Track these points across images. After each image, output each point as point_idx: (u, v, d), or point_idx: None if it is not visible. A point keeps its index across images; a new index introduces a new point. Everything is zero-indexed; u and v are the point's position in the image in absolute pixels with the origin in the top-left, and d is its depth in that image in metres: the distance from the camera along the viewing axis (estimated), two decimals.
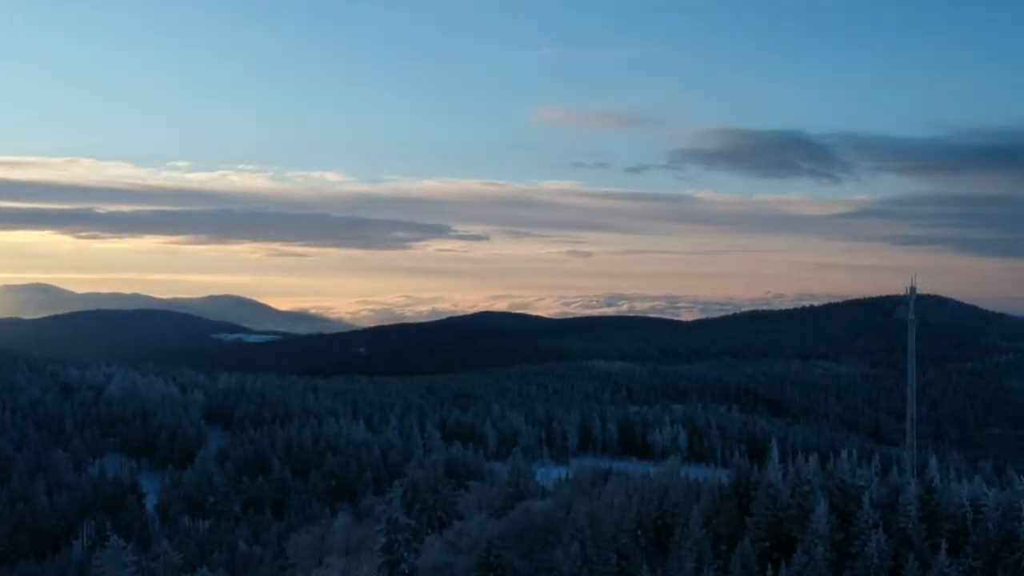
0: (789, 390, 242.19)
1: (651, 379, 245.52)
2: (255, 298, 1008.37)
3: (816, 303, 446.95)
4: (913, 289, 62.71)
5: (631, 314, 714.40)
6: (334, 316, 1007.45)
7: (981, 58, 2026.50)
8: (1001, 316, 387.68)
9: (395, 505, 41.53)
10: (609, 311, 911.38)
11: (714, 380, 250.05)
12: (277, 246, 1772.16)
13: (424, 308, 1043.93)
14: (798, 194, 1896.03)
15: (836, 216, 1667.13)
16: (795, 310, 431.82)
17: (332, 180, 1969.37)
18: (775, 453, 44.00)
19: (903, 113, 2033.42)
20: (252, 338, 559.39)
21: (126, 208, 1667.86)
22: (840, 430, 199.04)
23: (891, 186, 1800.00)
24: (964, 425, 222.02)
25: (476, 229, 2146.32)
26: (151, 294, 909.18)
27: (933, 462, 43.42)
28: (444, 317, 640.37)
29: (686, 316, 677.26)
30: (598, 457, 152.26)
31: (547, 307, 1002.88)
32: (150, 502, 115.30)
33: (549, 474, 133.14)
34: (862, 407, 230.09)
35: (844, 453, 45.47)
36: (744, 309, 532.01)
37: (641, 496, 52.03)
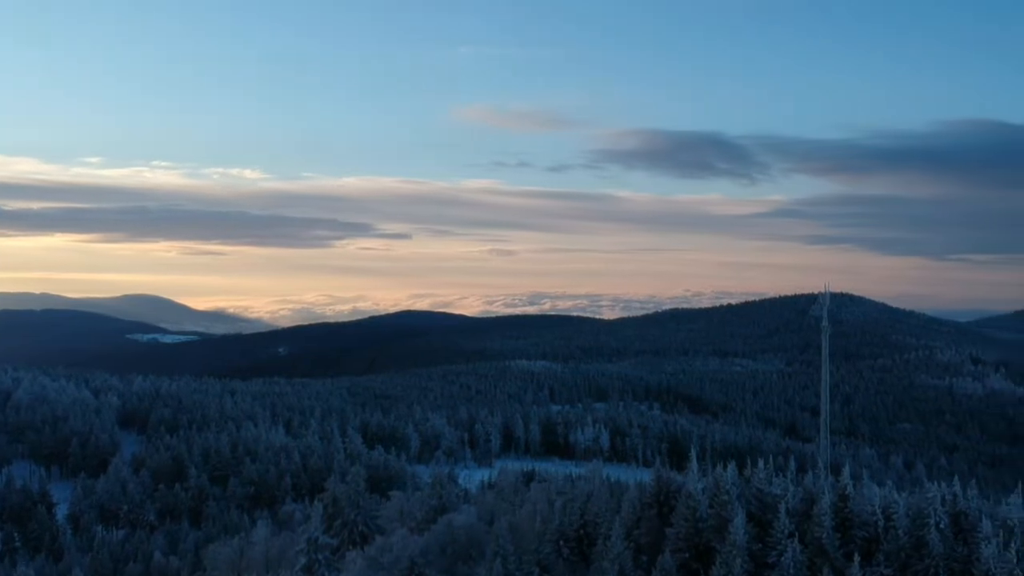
0: (708, 388, 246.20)
1: (573, 378, 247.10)
2: (171, 297, 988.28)
3: (734, 301, 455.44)
4: (826, 299, 64.10)
5: (553, 313, 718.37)
6: (253, 316, 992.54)
7: (890, 63, 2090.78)
8: (910, 314, 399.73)
9: (315, 523, 40.89)
10: (532, 310, 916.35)
11: (635, 379, 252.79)
12: (193, 244, 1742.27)
13: (345, 307, 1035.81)
14: (716, 194, 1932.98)
15: (752, 216, 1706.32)
16: (714, 308, 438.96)
17: (250, 177, 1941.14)
18: (694, 465, 44.47)
19: (816, 116, 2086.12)
20: (168, 338, 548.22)
21: (35, 205, 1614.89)
22: (757, 427, 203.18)
23: (805, 187, 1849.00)
24: (875, 421, 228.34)
25: (398, 227, 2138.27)
26: (62, 294, 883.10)
27: (847, 471, 44.32)
28: (365, 316, 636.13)
29: (608, 314, 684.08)
30: (521, 458, 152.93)
31: (470, 306, 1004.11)
32: (61, 512, 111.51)
33: (472, 477, 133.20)
34: (778, 404, 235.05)
35: (761, 462, 46.24)
36: (665, 307, 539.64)
37: (563, 505, 52.27)
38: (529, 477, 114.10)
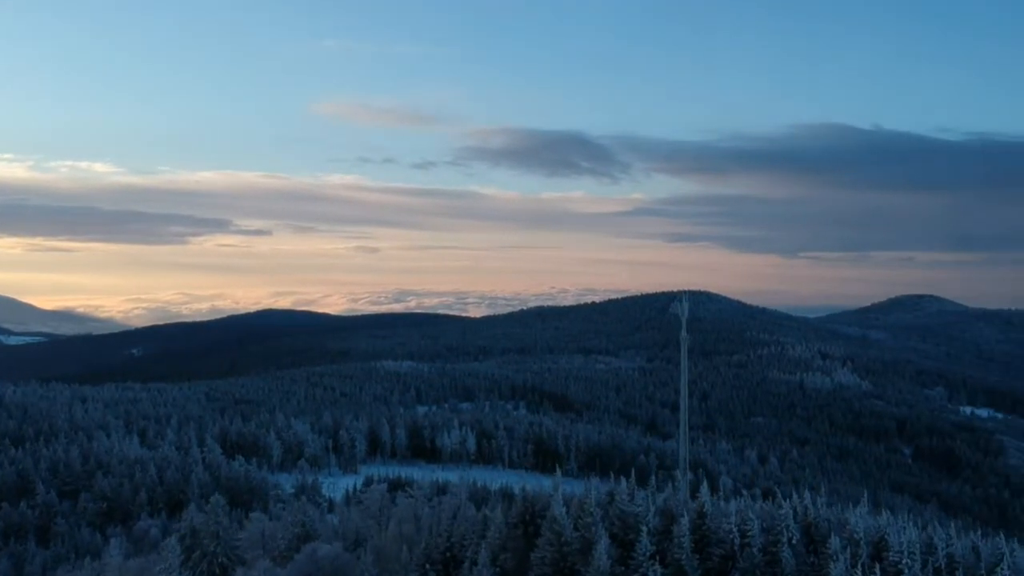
0: (573, 386, 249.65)
1: (440, 378, 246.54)
2: (15, 296, 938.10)
3: (597, 299, 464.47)
4: (684, 310, 65.62)
5: (419, 311, 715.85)
6: (104, 315, 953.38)
7: (747, 67, 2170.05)
8: (763, 310, 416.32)
9: (172, 558, 39.27)
10: (397, 308, 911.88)
11: (501, 378, 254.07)
12: (39, 240, 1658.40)
13: (203, 306, 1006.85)
14: (580, 192, 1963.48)
15: (615, 214, 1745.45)
16: (578, 306, 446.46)
17: (100, 171, 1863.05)
18: (559, 495, 44.77)
19: (676, 118, 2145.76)
20: (12, 340, 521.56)
21: None
22: (620, 424, 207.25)
23: (665, 186, 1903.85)
24: (731, 415, 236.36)
25: (258, 223, 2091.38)
26: None
27: (704, 488, 45.54)
28: (225, 315, 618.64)
29: (474, 312, 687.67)
30: (387, 463, 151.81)
31: (334, 304, 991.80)
32: None
33: (337, 485, 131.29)
34: (640, 400, 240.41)
35: (624, 480, 46.94)
36: (530, 305, 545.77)
37: (430, 527, 51.94)
38: (396, 485, 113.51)
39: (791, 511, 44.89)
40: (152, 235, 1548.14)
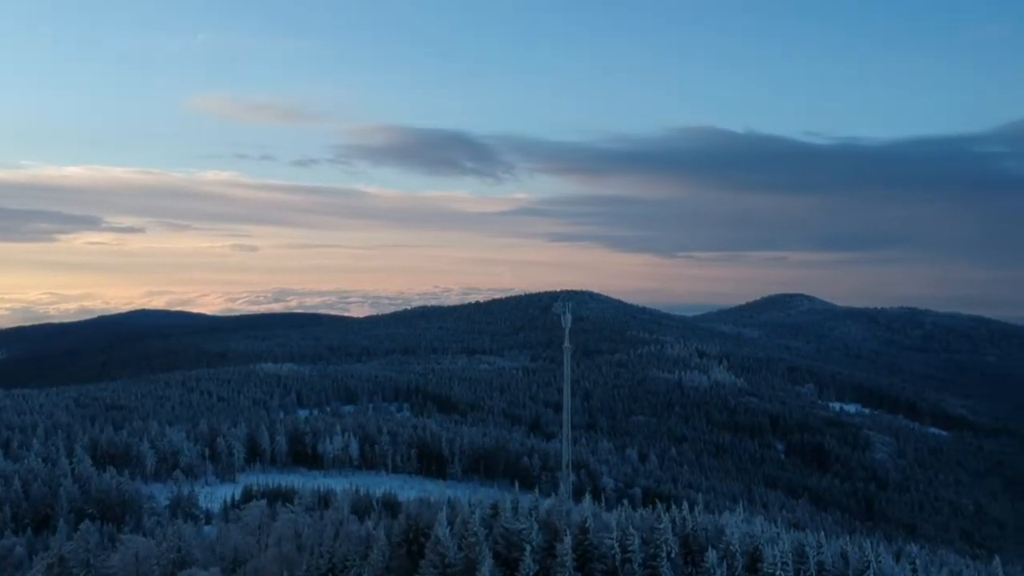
0: (457, 387, 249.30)
1: (321, 380, 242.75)
2: None
3: (481, 298, 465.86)
4: (567, 321, 66.36)
5: (300, 310, 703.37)
6: None
7: (625, 69, 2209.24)
8: (643, 310, 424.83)
9: None
10: (277, 307, 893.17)
11: (385, 379, 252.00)
12: None
13: (71, 306, 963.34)
14: (463, 192, 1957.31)
15: (498, 213, 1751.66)
16: (462, 306, 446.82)
17: None
18: (442, 516, 44.46)
19: (557, 118, 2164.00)
20: None
21: None
22: (504, 425, 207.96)
23: (548, 186, 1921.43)
24: (613, 414, 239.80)
25: (130, 221, 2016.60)
26: None
27: (587, 502, 45.98)
28: (95, 316, 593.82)
29: (356, 312, 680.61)
30: (267, 471, 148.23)
31: (210, 304, 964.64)
32: None
33: (214, 494, 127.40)
34: (524, 400, 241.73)
35: (508, 497, 47.02)
36: (414, 304, 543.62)
37: (312, 546, 50.88)
38: (276, 495, 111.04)
39: (670, 524, 45.76)
40: (16, 232, 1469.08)
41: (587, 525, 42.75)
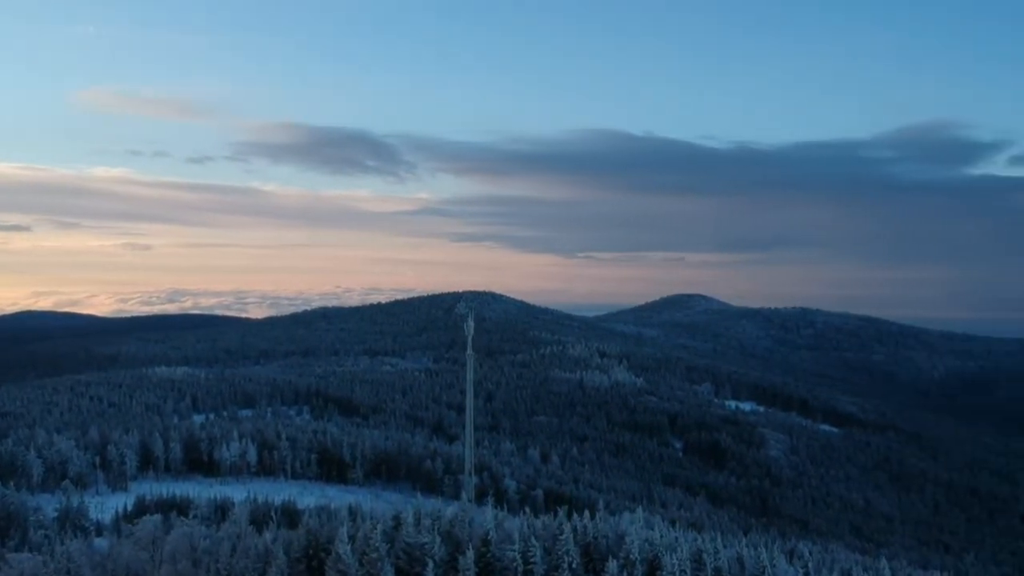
0: (358, 389, 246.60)
1: (218, 384, 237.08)
2: None
3: (383, 299, 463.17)
4: (471, 324, 66.22)
5: (196, 311, 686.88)
6: None
7: (527, 70, 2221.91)
8: (545, 310, 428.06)
9: None
10: (172, 308, 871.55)
11: (284, 382, 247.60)
12: None
13: None
14: (365, 191, 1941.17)
15: (401, 213, 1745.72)
16: (364, 307, 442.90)
17: None
18: (343, 532, 43.74)
19: (460, 118, 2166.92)
20: None
21: None
22: (407, 428, 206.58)
23: (450, 186, 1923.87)
24: (515, 415, 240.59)
25: (15, 218, 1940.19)
26: None
27: (489, 512, 45.88)
28: None
29: (255, 313, 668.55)
30: (161, 479, 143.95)
31: (101, 305, 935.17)
32: None
33: (106, 504, 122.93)
34: (426, 402, 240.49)
35: (411, 512, 46.60)
36: (314, 304, 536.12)
37: (208, 564, 49.52)
38: (171, 505, 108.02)
39: (572, 532, 45.99)
40: None
41: (489, 537, 42.65)
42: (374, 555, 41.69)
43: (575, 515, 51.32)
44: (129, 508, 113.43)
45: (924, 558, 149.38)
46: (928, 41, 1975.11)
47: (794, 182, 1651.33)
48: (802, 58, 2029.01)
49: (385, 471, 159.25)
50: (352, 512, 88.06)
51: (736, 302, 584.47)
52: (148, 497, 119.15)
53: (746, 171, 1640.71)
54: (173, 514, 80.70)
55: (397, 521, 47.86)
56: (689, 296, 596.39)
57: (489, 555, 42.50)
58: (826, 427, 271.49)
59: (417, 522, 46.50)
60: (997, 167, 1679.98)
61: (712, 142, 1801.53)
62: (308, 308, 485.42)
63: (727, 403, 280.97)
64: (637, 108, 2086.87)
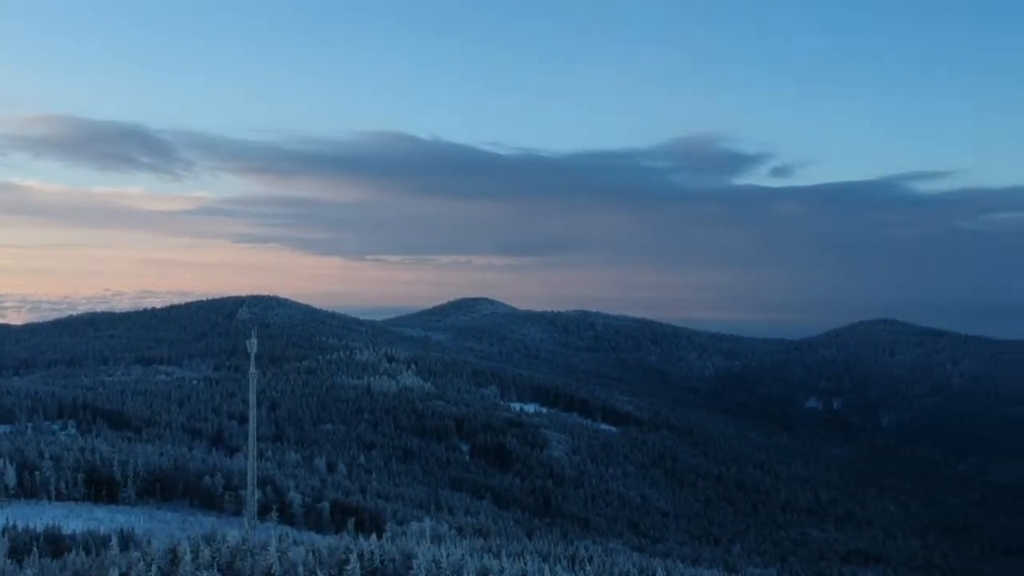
0: (131, 401, 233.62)
1: None
2: None
3: (159, 302, 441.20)
4: (254, 342, 63.88)
5: None
6: None
7: (311, 69, 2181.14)
8: (332, 314, 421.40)
9: None
10: None
11: (46, 394, 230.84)
12: None
13: None
14: (138, 189, 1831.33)
15: (178, 213, 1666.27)
16: (136, 312, 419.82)
17: None
18: (115, 571, 41.04)
19: (242, 116, 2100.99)
20: None
21: None
22: (184, 441, 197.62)
23: (232, 186, 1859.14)
24: (301, 424, 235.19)
25: None
26: None
27: (273, 542, 44.40)
28: None
29: (14, 318, 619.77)
30: None
31: None
32: None
33: None
34: (205, 413, 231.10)
35: (188, 547, 44.36)
36: (81, 309, 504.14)
37: None
38: None
39: (358, 557, 45.28)
40: None
41: (272, 571, 41.24)
42: None
43: (361, 537, 50.54)
44: None
45: (696, 551, 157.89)
46: (700, 56, 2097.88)
47: (577, 189, 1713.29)
48: (587, 69, 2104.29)
49: (160, 489, 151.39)
50: (124, 537, 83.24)
51: (521, 305, 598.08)
52: None
53: (531, 177, 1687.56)
54: None
55: (174, 555, 45.43)
56: (476, 300, 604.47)
57: None
58: (605, 426, 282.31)
59: (195, 555, 44.29)
60: (760, 178, 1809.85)
61: (497, 148, 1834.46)
62: (74, 313, 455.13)
63: (512, 405, 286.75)
64: (424, 112, 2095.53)
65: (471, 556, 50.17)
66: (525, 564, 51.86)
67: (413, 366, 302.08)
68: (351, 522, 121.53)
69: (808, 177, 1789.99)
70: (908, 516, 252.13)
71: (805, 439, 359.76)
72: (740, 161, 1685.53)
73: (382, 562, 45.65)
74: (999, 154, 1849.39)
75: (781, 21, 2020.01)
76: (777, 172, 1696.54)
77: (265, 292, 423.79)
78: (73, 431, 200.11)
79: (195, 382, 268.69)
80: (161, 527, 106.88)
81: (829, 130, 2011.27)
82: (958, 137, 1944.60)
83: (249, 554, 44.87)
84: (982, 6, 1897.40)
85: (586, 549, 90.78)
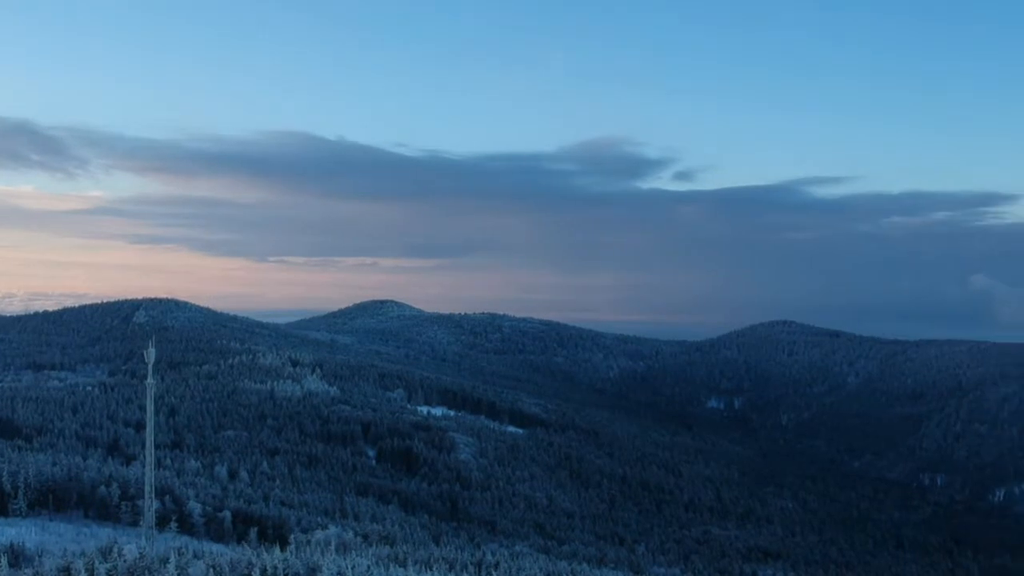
0: (21, 408, 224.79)
1: None
2: None
3: (51, 306, 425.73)
4: (152, 352, 62.08)
5: None
6: None
7: (213, 66, 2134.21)
8: (235, 317, 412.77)
9: None
10: None
11: None
12: None
13: None
14: (28, 187, 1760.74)
15: (71, 212, 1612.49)
16: (27, 315, 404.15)
17: None
18: None
19: (139, 113, 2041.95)
20: None
21: None
22: (78, 450, 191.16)
23: (128, 185, 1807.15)
24: (201, 430, 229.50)
25: None
26: None
27: (172, 560, 43.18)
28: None
29: None
30: None
31: None
32: None
33: None
34: (101, 420, 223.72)
35: (83, 565, 42.81)
36: None
37: None
38: None
39: (261, 571, 44.38)
40: None
41: None
42: None
43: (264, 547, 49.56)
44: None
45: (601, 552, 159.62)
46: (605, 60, 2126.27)
47: (484, 191, 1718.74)
48: (494, 72, 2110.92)
49: (53, 500, 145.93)
50: (15, 553, 79.96)
51: (428, 307, 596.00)
52: None
53: (437, 179, 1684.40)
54: None
55: (67, 572, 43.80)
56: (382, 302, 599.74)
57: None
58: (512, 428, 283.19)
59: (90, 572, 42.78)
60: (663, 182, 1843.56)
61: (403, 149, 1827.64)
62: None
63: (419, 408, 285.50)
64: (329, 112, 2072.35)
65: (377, 566, 49.69)
66: (432, 573, 51.61)
67: (318, 370, 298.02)
68: (254, 532, 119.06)
69: (710, 181, 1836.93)
70: (806, 512, 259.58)
71: (707, 438, 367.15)
72: (644, 165, 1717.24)
73: (286, 575, 44.81)
74: (896, 161, 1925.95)
75: (685, 28, 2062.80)
76: (680, 176, 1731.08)
77: (164, 295, 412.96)
78: None
79: (90, 388, 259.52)
80: (54, 540, 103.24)
81: (731, 136, 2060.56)
82: (856, 144, 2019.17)
83: (147, 571, 43.55)
84: (880, 17, 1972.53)
85: (493, 554, 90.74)
